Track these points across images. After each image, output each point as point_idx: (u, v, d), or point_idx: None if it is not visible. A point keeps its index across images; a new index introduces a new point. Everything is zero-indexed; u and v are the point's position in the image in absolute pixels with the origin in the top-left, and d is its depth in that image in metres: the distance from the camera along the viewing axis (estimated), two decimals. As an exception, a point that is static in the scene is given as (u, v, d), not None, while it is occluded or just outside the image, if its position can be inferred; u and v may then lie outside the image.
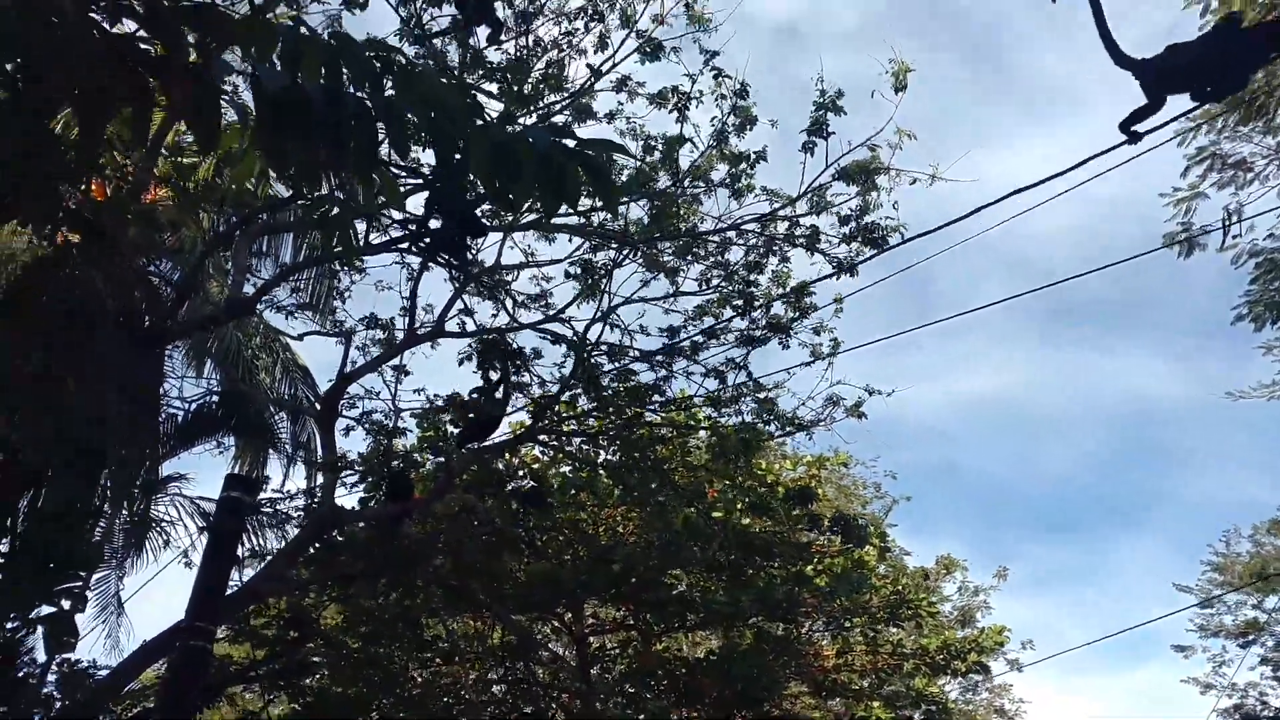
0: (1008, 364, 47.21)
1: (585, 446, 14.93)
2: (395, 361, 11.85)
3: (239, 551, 9.48)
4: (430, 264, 10.41)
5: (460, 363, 11.32)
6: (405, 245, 9.62)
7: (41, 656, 8.59)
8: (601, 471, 14.64)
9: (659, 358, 11.14)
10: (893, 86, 8.90)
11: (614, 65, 10.21)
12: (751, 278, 10.78)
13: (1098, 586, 48.45)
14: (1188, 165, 15.11)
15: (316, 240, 11.51)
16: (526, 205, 7.19)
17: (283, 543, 11.72)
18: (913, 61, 8.90)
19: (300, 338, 11.66)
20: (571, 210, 7.70)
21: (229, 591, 8.99)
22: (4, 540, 8.45)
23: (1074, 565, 47.59)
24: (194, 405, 11.03)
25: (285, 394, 14.45)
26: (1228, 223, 15.89)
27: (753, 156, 9.82)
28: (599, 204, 9.13)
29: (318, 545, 11.22)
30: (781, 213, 10.09)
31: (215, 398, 11.76)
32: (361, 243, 9.61)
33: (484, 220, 9.48)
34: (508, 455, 13.90)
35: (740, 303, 10.67)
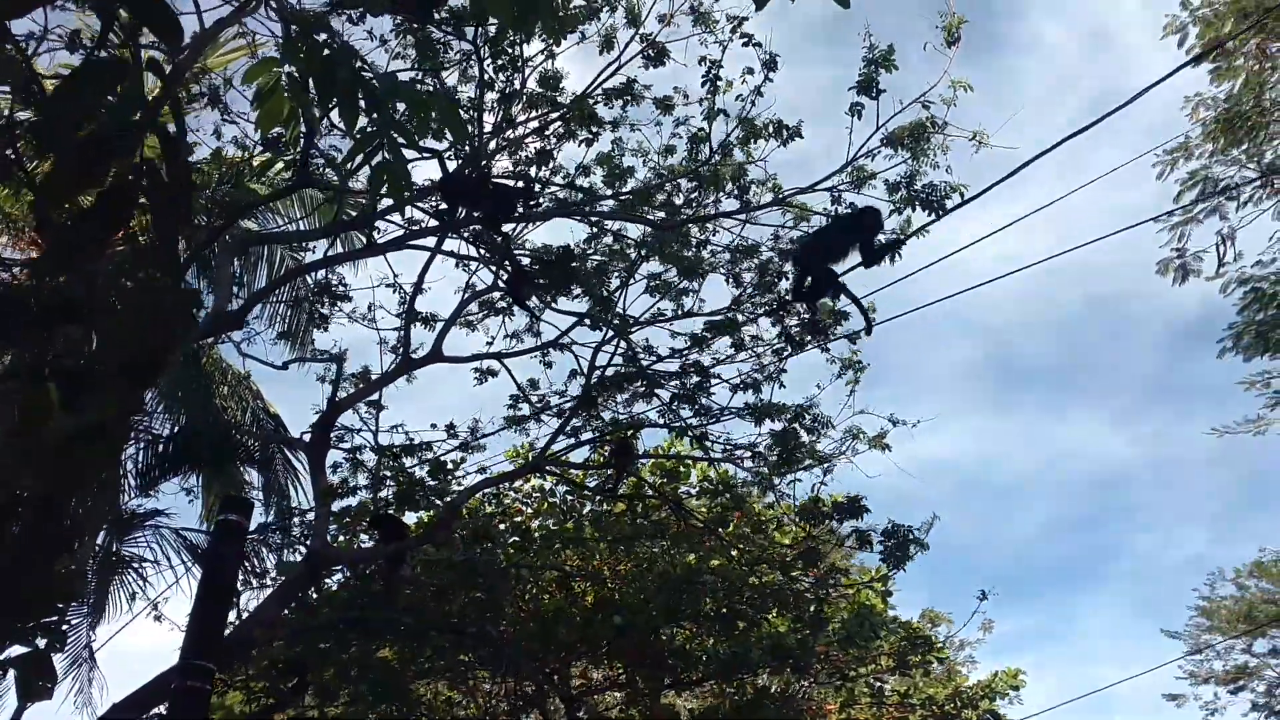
0: (961, 430, 47.24)
1: (570, 497, 14.24)
2: (376, 396, 11.12)
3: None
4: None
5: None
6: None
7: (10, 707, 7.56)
8: (586, 524, 13.94)
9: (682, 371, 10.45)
10: (945, 40, 8.53)
11: (619, 67, 9.84)
12: (786, 269, 10.20)
13: (1063, 649, 48.10)
14: (1180, 190, 15.02)
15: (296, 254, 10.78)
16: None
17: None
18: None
19: (284, 365, 10.81)
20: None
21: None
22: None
23: (1037, 629, 47.22)
24: (168, 437, 10.04)
25: (254, 446, 13.47)
26: (1221, 247, 15.77)
27: (786, 132, 9.35)
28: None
29: (304, 595, 10.29)
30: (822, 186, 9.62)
31: (186, 433, 10.78)
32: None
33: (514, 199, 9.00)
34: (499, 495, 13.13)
35: (773, 305, 10.06)
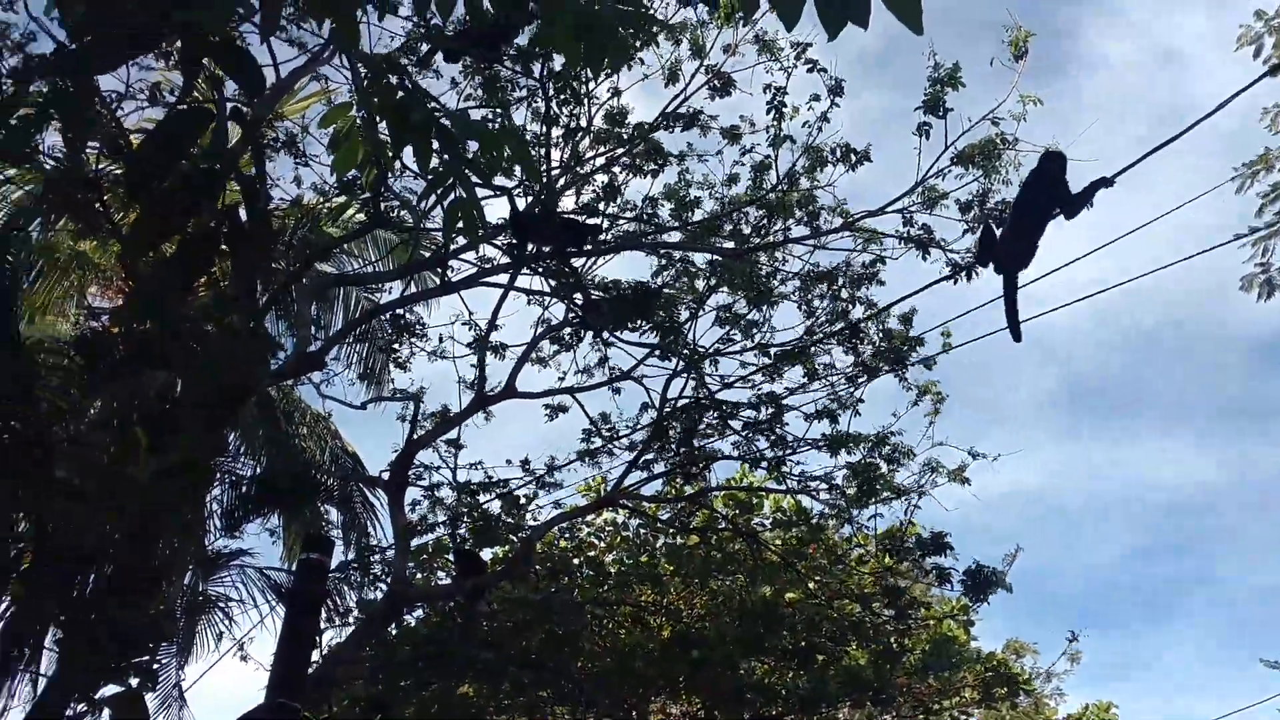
0: (1036, 456, 46.05)
1: (643, 531, 14.20)
2: (454, 434, 11.26)
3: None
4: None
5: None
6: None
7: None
8: (661, 558, 13.88)
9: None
10: (1012, 55, 8.45)
11: (685, 99, 9.91)
12: (859, 294, 10.17)
13: (1153, 680, 46.46)
14: (1262, 204, 14.66)
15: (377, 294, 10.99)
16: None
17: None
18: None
19: (363, 405, 11.02)
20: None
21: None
22: (60, 623, 7.67)
23: (1124, 659, 45.73)
24: (250, 478, 10.27)
25: (333, 486, 13.67)
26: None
27: (854, 156, 9.33)
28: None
29: (384, 632, 10.40)
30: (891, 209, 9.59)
31: (266, 474, 10.99)
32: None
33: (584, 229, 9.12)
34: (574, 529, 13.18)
35: (845, 332, 9.99)
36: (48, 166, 7.96)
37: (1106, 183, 6.99)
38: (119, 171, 8.12)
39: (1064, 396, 46.81)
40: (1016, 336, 7.67)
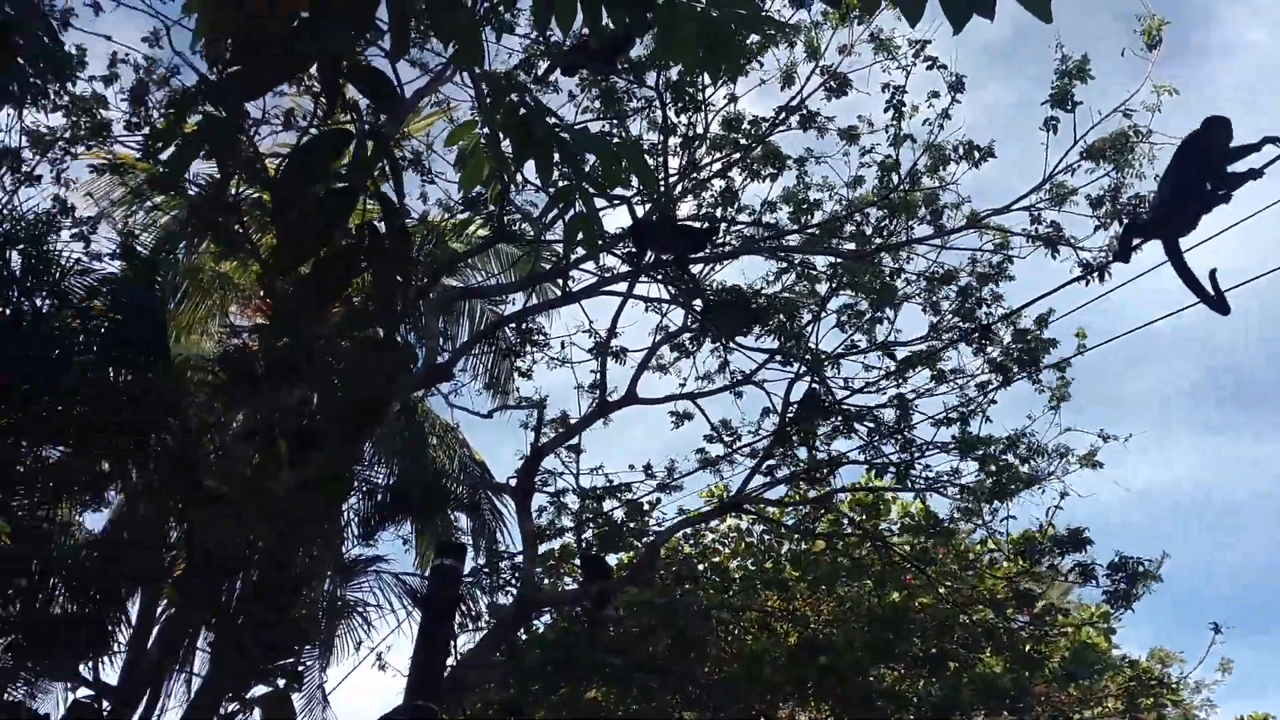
0: (1179, 454, 43.84)
1: (768, 536, 14.14)
2: (575, 440, 11.42)
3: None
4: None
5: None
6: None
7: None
8: (786, 563, 13.78)
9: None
10: (1145, 44, 8.15)
11: (802, 101, 9.86)
12: (985, 294, 9.96)
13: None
14: None
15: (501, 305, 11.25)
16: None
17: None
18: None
19: (490, 414, 11.30)
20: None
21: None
22: (210, 627, 8.05)
23: (1276, 669, 43.16)
24: (385, 487, 10.62)
25: (463, 494, 14.01)
26: None
27: (978, 153, 9.16)
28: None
29: (513, 637, 10.60)
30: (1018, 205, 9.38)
31: (399, 483, 11.33)
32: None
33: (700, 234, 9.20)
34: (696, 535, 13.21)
35: (975, 333, 9.78)
36: (191, 192, 8.39)
37: (1255, 174, 6.60)
38: (256, 195, 8.51)
39: (1210, 388, 44.58)
40: (1222, 309, 6.90)
